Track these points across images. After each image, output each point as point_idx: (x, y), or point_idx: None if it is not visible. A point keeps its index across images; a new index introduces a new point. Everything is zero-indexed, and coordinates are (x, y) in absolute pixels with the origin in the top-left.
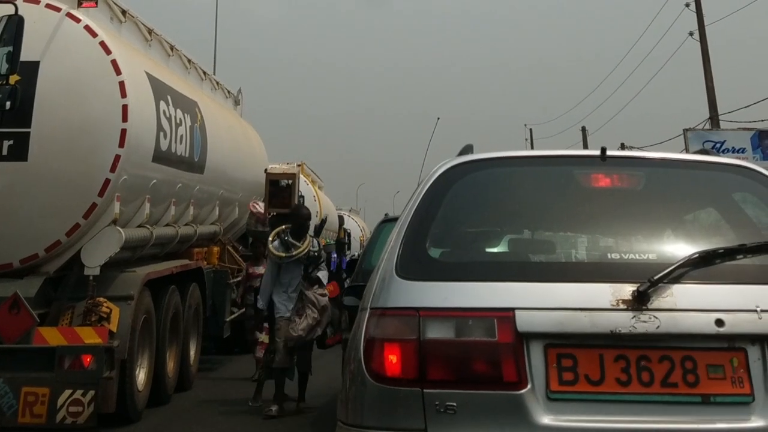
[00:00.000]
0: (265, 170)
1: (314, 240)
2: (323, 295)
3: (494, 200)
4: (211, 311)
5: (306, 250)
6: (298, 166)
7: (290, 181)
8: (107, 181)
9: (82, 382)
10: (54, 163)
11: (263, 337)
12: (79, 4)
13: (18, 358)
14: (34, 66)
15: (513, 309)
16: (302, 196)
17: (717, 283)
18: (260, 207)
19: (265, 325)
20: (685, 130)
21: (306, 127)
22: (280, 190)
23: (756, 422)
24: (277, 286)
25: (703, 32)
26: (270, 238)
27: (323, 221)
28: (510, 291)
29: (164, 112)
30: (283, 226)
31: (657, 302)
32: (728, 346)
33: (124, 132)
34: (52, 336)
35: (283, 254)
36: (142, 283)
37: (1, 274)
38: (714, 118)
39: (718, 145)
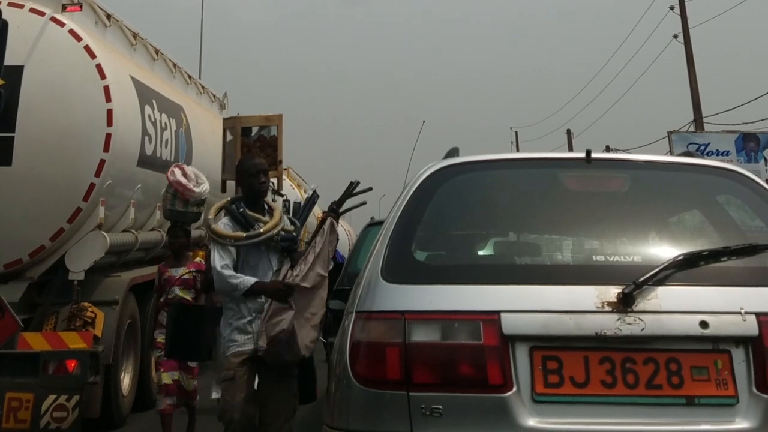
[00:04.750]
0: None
1: (286, 217)
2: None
3: (480, 203)
4: None
5: (279, 227)
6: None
7: (274, 130)
8: (92, 186)
9: (67, 387)
10: (38, 167)
11: (164, 377)
12: (64, 9)
13: (2, 363)
14: (18, 70)
15: (498, 312)
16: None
17: (701, 285)
18: (179, 174)
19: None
20: (670, 133)
21: (291, 131)
22: (261, 144)
23: (740, 424)
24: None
25: (687, 35)
26: (211, 215)
27: (312, 195)
28: (495, 294)
29: (149, 116)
30: (229, 198)
31: (642, 304)
32: (712, 348)
33: (108, 136)
34: (36, 341)
35: (244, 234)
36: (126, 287)
37: None
38: (698, 121)
39: (702, 148)
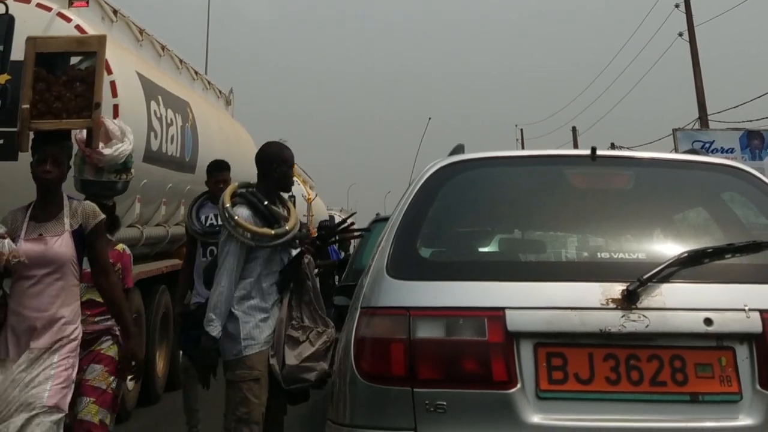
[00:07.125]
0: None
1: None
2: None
3: (485, 200)
4: None
5: (298, 224)
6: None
7: (90, 58)
8: None
9: None
10: None
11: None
12: (70, 4)
13: None
14: None
15: (503, 308)
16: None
17: (706, 282)
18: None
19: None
20: (675, 130)
21: (297, 127)
22: (68, 78)
23: (744, 421)
24: (253, 290)
25: (692, 33)
26: (228, 203)
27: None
28: (500, 290)
29: (155, 112)
30: (234, 185)
31: (646, 301)
32: (717, 344)
33: None
34: None
35: (272, 231)
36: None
37: None
38: (703, 118)
39: (707, 145)
